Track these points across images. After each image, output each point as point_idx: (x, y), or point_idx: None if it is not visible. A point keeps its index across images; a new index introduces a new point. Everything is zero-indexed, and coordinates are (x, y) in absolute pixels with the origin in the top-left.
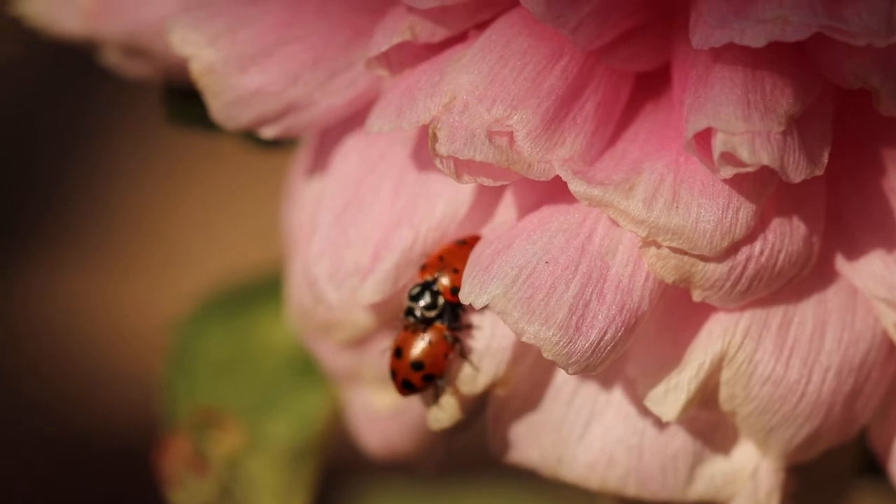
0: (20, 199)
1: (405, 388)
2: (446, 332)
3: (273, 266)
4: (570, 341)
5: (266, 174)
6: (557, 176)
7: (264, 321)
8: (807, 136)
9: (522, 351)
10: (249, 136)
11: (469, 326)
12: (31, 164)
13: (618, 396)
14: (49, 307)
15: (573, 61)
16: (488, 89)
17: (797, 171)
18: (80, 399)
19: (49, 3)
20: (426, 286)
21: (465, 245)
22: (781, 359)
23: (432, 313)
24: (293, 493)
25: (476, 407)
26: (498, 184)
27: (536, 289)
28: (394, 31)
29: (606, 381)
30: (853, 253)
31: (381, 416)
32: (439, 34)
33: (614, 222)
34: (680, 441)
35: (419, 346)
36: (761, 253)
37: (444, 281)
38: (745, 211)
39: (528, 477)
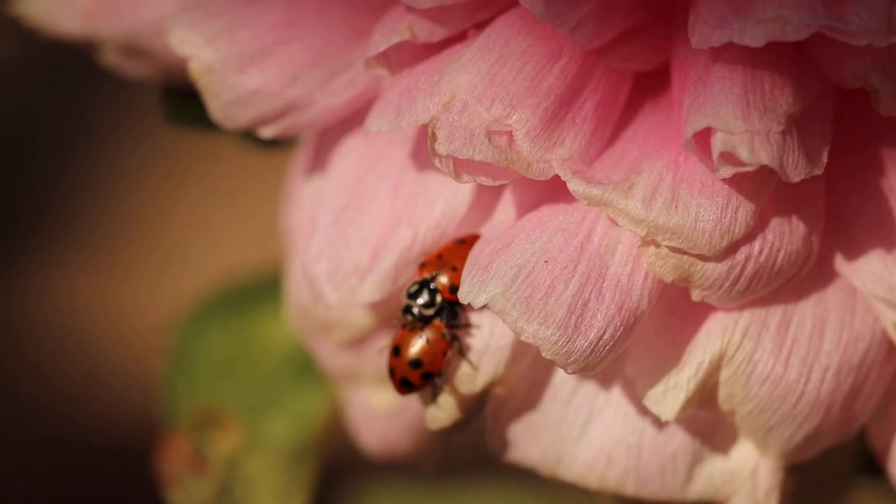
0: (20, 199)
1: (403, 386)
2: (444, 330)
3: (272, 266)
4: (568, 340)
5: (265, 174)
6: (556, 175)
7: (263, 321)
8: (806, 135)
9: (521, 350)
10: (248, 136)
11: (468, 325)
12: (30, 164)
13: (617, 396)
14: (49, 307)
15: (572, 61)
16: (487, 89)
17: (796, 171)
18: (80, 399)
19: (48, 3)
20: (424, 284)
21: (465, 244)
22: (780, 358)
23: (430, 311)
24: (292, 493)
25: (475, 406)
26: (497, 183)
27: (535, 288)
28: (393, 31)
29: (605, 381)
30: (852, 252)
31: (379, 415)
32: (438, 34)
33: (613, 222)
34: (679, 440)
35: (417, 344)
36: (760, 252)
37: (443, 279)
38: (744, 210)
39: (526, 476)
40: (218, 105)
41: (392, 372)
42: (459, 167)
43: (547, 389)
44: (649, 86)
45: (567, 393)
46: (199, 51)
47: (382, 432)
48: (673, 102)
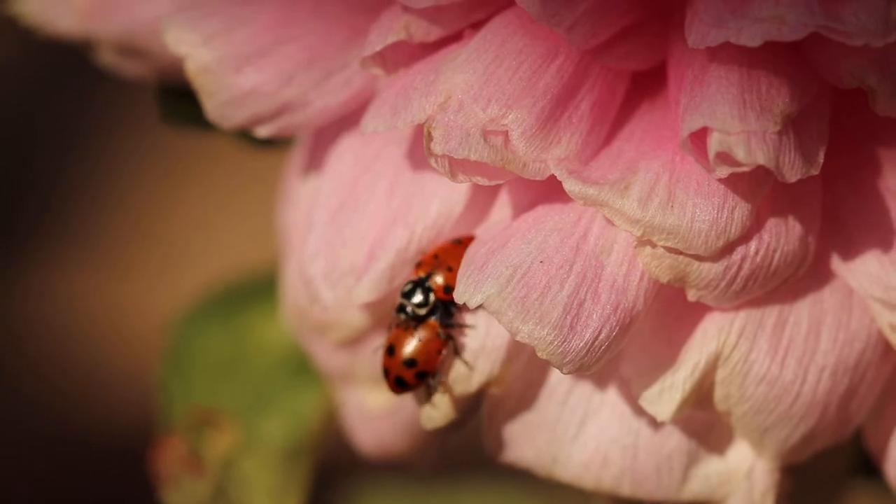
0: (19, 200)
1: (398, 385)
2: (439, 330)
3: (269, 266)
4: (564, 341)
5: (265, 174)
6: (552, 175)
7: (259, 321)
8: (803, 135)
9: (517, 350)
10: (244, 136)
11: (462, 324)
12: (30, 165)
13: (612, 396)
14: (48, 307)
15: (568, 60)
16: (483, 88)
17: (793, 171)
18: (80, 399)
19: (44, 2)
20: (419, 283)
21: (461, 244)
22: (776, 359)
23: (423, 311)
24: (287, 493)
25: (470, 406)
26: (493, 183)
27: (531, 288)
28: (389, 31)
29: (601, 381)
30: (849, 253)
31: (375, 415)
32: (434, 33)
33: (609, 222)
34: (675, 441)
35: (412, 343)
36: (756, 253)
37: (438, 279)
38: (740, 211)
39: (522, 476)
40: (214, 104)
41: (387, 371)
42: (455, 167)
43: (542, 389)
44: (646, 85)
45: (563, 393)
46: (195, 50)
47: (378, 432)
48: (669, 102)
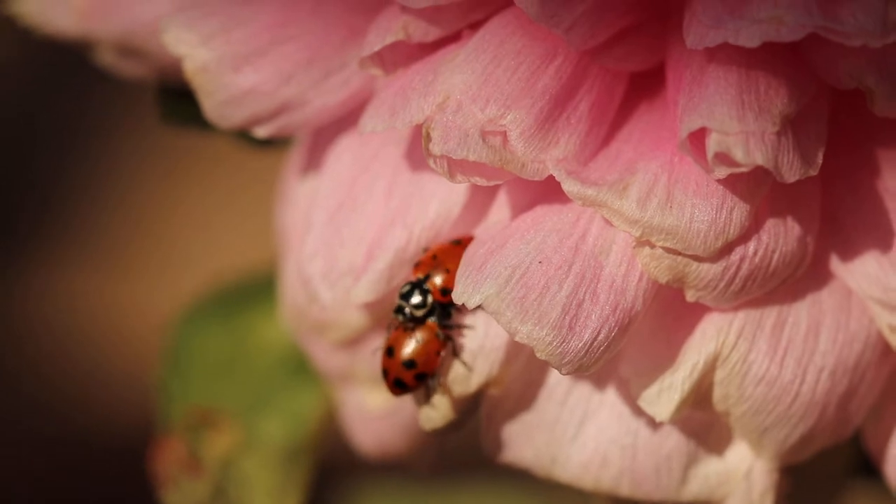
0: (19, 200)
1: (397, 387)
2: (438, 331)
3: (268, 266)
4: (563, 341)
5: (265, 174)
6: (551, 176)
7: (258, 321)
8: (801, 136)
9: (516, 351)
10: (243, 136)
11: (461, 325)
12: (30, 165)
13: (611, 396)
14: (48, 307)
15: (567, 61)
16: (482, 89)
17: (791, 172)
18: (80, 399)
19: (43, 2)
20: (416, 285)
21: (460, 245)
22: (775, 359)
23: (421, 312)
24: (287, 493)
25: (469, 407)
26: (491, 183)
27: (530, 289)
28: (387, 31)
29: (600, 381)
30: (848, 254)
31: (374, 415)
32: (433, 34)
33: (608, 222)
34: (674, 441)
35: (411, 344)
36: (755, 253)
37: (436, 280)
38: (739, 211)
39: (521, 477)
40: (212, 104)
41: (386, 373)
42: (454, 167)
43: (541, 390)
44: (644, 86)
45: (562, 393)
46: (194, 50)
47: (377, 432)
48: (668, 103)
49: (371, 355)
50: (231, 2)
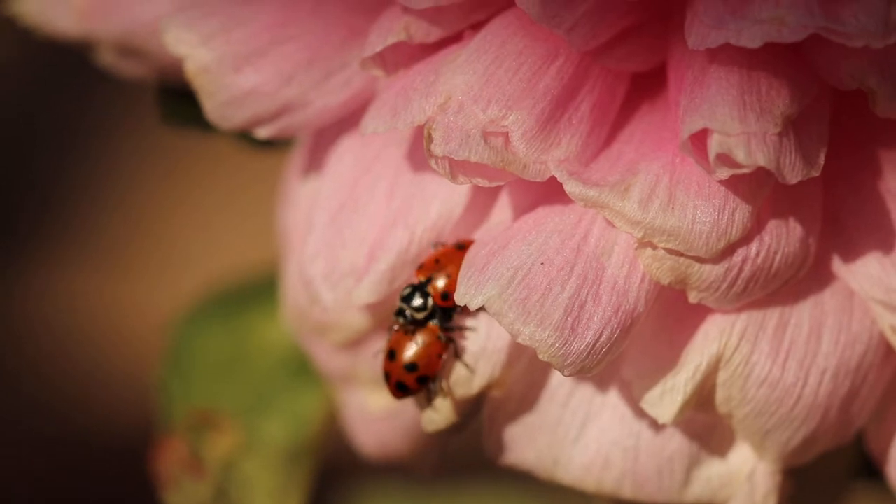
0: (19, 200)
1: (399, 390)
2: (440, 333)
3: (269, 266)
4: (565, 343)
5: (265, 174)
6: (553, 177)
7: (260, 322)
8: (803, 137)
9: (518, 352)
10: (244, 136)
11: (463, 327)
12: (30, 165)
13: (614, 398)
14: (48, 307)
15: (568, 62)
16: (483, 90)
17: (793, 173)
18: (80, 399)
19: (43, 2)
20: (417, 288)
21: (463, 249)
22: (778, 361)
23: (422, 315)
24: (288, 494)
25: (471, 409)
26: (493, 184)
27: (532, 290)
28: (389, 32)
29: (602, 383)
30: (850, 255)
31: (376, 417)
32: (434, 34)
33: (610, 223)
34: (676, 443)
35: (412, 347)
36: (757, 254)
37: (437, 284)
38: (741, 212)
39: (524, 478)
40: (213, 105)
41: (387, 376)
42: (455, 168)
43: (543, 392)
44: (646, 86)
45: (564, 395)
46: (195, 51)
47: (379, 434)
48: (669, 103)
49: (373, 357)
50: (231, 2)
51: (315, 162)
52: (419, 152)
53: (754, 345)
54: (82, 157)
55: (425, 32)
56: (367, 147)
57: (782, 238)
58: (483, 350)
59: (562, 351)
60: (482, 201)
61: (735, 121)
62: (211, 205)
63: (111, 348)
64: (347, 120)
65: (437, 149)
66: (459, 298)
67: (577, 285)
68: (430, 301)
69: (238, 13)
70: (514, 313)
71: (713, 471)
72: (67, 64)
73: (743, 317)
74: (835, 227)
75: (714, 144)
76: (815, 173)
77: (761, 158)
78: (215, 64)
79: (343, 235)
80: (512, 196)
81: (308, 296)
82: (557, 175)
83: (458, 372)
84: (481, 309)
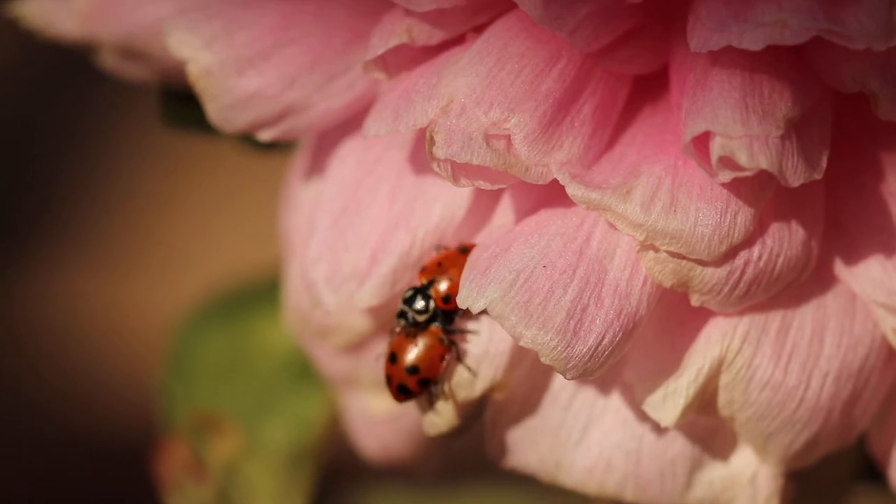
0: (19, 201)
1: (401, 393)
2: (441, 336)
3: (270, 268)
4: (567, 346)
5: (265, 175)
6: (555, 179)
7: (262, 325)
8: (805, 140)
9: (520, 355)
10: (247, 139)
11: (465, 330)
12: (29, 166)
13: (616, 401)
14: (48, 308)
15: (571, 64)
16: (486, 92)
17: (796, 176)
18: (80, 399)
19: (45, 5)
20: (419, 290)
21: (466, 252)
22: (780, 364)
23: (423, 317)
24: (291, 498)
25: (473, 412)
26: (495, 187)
27: (534, 293)
28: (391, 34)
29: (604, 386)
30: (852, 257)
31: (378, 420)
32: (436, 37)
33: (612, 226)
34: (678, 446)
35: (414, 350)
36: (760, 257)
37: (439, 287)
38: (743, 215)
39: (526, 481)
40: (216, 108)
41: (389, 379)
42: (457, 171)
43: (546, 395)
44: (648, 88)
45: (566, 398)
46: (197, 54)
47: (381, 437)
48: (672, 106)
49: (375, 361)
50: (233, 4)
51: (317, 165)
52: (421, 155)
53: (756, 348)
54: (82, 157)
55: (427, 35)
56: (369, 150)
57: (784, 241)
58: (485, 353)
59: (564, 354)
60: (484, 204)
61: (737, 123)
62: (211, 205)
63: (111, 349)
64: (350, 123)
65: (440, 151)
66: (462, 301)
67: (579, 288)
68: (432, 304)
69: (241, 16)
70: (517, 316)
71: (715, 474)
72: (67, 66)
73: (745, 320)
74: (837, 229)
75: (716, 147)
76: (818, 176)
77: (763, 161)
78: (218, 67)
79: (345, 238)
80: (514, 199)
81: (310, 299)
82: (560, 178)
83: (461, 375)
84: (483, 312)
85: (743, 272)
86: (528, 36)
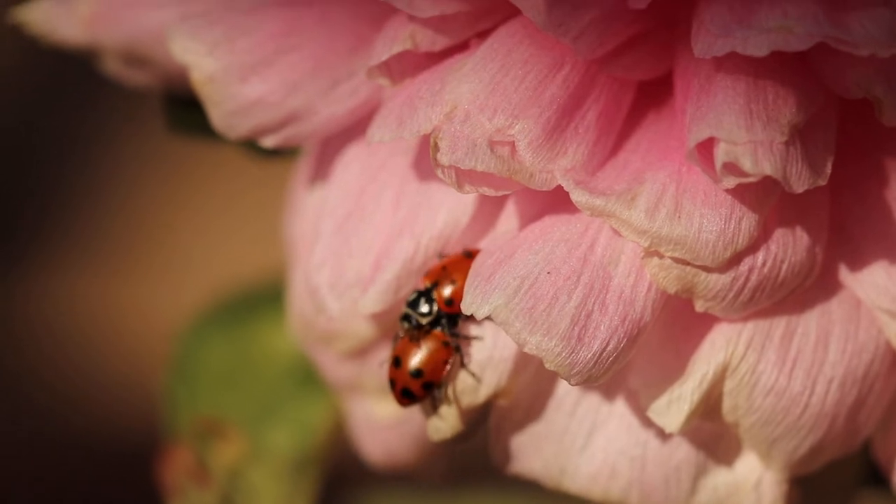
0: (21, 205)
1: (405, 397)
2: (445, 340)
3: (273, 273)
4: (572, 352)
5: (266, 179)
6: (559, 186)
7: (265, 330)
8: (809, 145)
9: (524, 361)
10: (250, 145)
11: (468, 336)
12: (31, 171)
13: (620, 407)
14: (50, 311)
15: (575, 70)
16: (490, 98)
17: (800, 182)
18: (81, 402)
19: (49, 10)
20: (423, 293)
21: (471, 258)
22: (784, 370)
23: (426, 320)
24: (294, 503)
25: (477, 417)
26: (499, 194)
27: (538, 299)
28: (394, 40)
29: (609, 392)
30: (856, 263)
31: (382, 425)
32: (440, 43)
33: (616, 232)
34: (683, 452)
35: (418, 354)
36: (764, 263)
37: (443, 291)
38: (747, 221)
39: (530, 486)
40: (219, 114)
41: (393, 383)
42: (462, 177)
43: (550, 401)
44: (652, 94)
45: (570, 404)
46: (201, 60)
47: (385, 442)
48: (676, 112)
49: (379, 366)
50: (235, 10)
51: (321, 171)
52: (425, 161)
53: (761, 354)
54: (83, 162)
55: (431, 41)
56: (373, 156)
57: (789, 247)
58: (489, 359)
59: (568, 360)
60: (488, 210)
61: (742, 129)
62: (212, 209)
63: (112, 352)
64: (354, 129)
65: (444, 158)
66: (466, 308)
67: (583, 294)
68: (436, 307)
69: (242, 22)
70: (521, 322)
71: (720, 480)
72: (68, 71)
73: (749, 326)
74: (841, 235)
75: (720, 153)
76: (822, 182)
77: (768, 167)
78: (221, 73)
79: (349, 244)
80: (518, 205)
81: (314, 305)
82: (564, 184)
83: (465, 381)
84: (488, 318)
85: (747, 278)
86: (531, 42)
